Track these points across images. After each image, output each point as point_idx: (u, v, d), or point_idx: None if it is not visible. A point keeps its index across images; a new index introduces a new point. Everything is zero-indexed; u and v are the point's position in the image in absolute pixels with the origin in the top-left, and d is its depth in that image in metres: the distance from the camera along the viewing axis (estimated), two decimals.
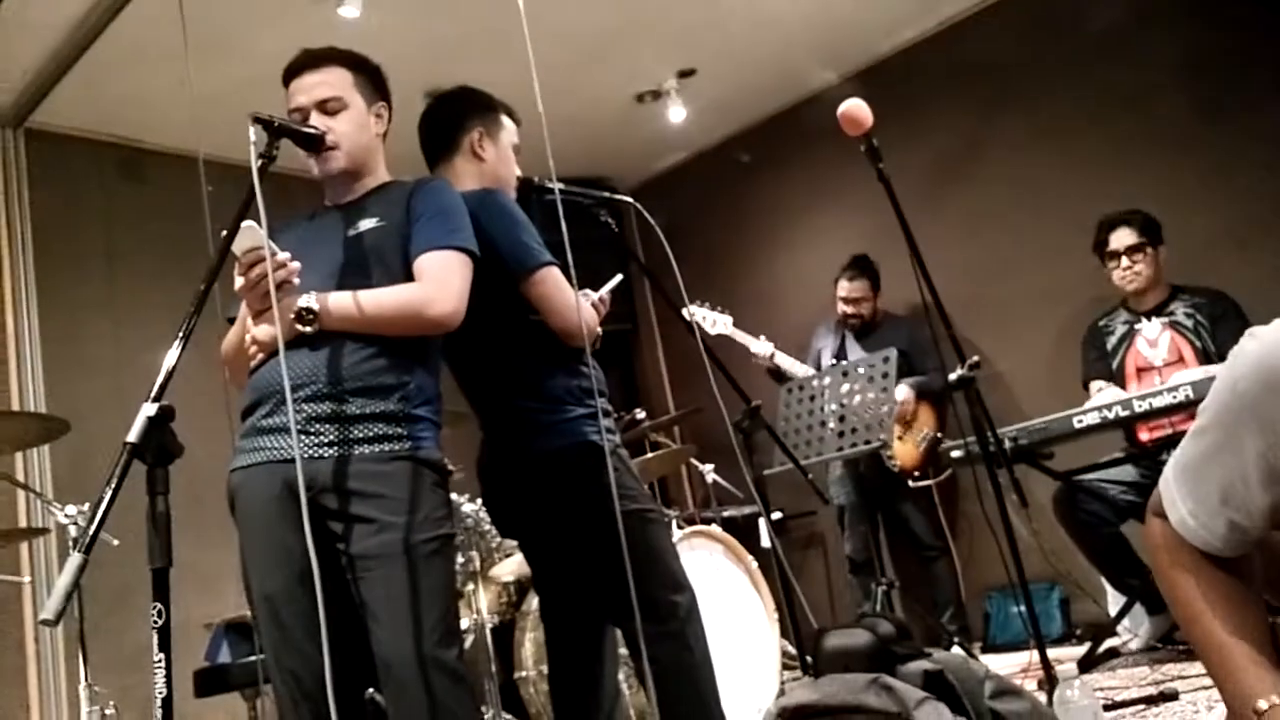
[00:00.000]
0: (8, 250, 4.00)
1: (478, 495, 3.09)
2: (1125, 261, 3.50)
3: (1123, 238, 3.51)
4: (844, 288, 4.54)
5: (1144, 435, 3.43)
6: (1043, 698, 2.16)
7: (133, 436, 1.43)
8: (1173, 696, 2.52)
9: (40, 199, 4.11)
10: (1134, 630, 3.43)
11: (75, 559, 1.32)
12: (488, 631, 3.12)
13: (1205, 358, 3.37)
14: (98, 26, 3.63)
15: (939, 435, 4.34)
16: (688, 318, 2.57)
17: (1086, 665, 3.24)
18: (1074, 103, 4.39)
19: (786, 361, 4.43)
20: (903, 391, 4.21)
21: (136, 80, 3.96)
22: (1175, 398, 2.86)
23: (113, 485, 1.38)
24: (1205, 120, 4.06)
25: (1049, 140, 4.48)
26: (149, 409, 1.46)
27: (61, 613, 1.29)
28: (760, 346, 4.42)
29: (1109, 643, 3.43)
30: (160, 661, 1.40)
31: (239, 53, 3.79)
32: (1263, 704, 1.12)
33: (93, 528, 1.34)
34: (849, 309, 4.54)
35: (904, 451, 4.32)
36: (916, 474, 4.34)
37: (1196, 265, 3.67)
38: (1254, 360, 1.10)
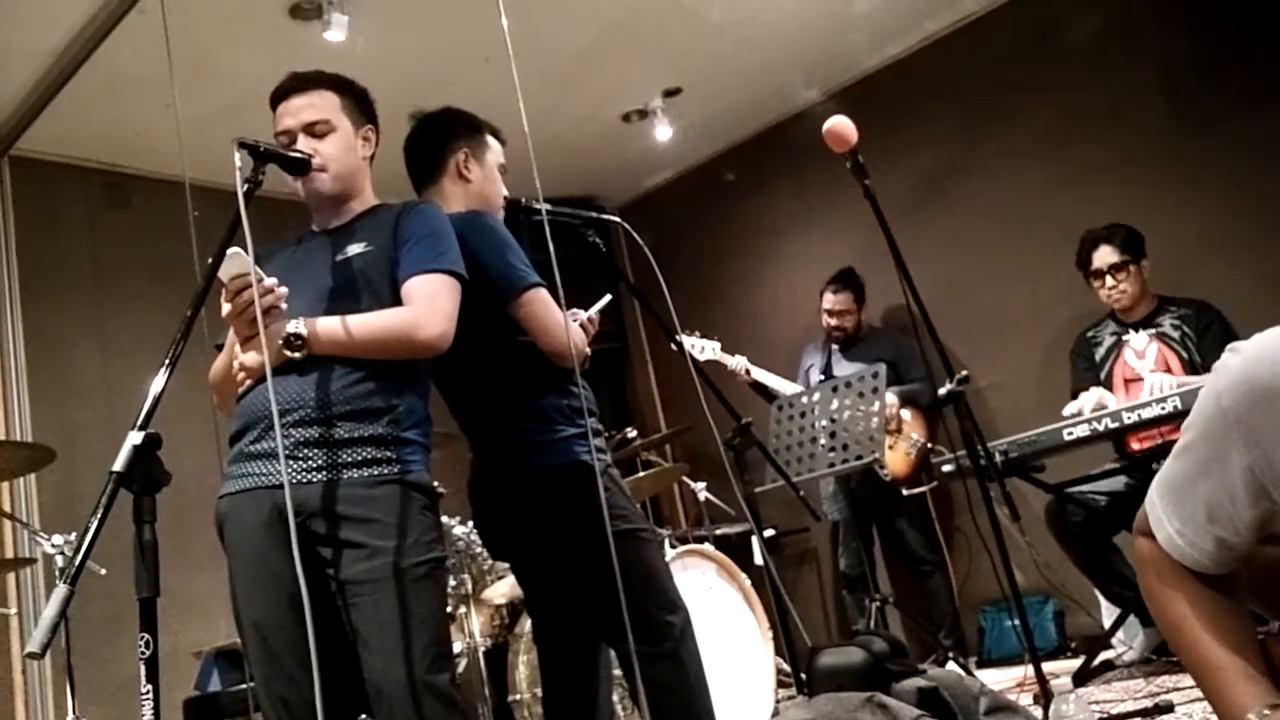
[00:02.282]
0: None
1: (469, 517, 3.07)
2: (1110, 280, 3.53)
3: (1105, 256, 3.53)
4: (829, 300, 4.59)
5: (1134, 446, 3.44)
6: (1038, 712, 2.15)
7: (119, 465, 1.42)
8: (1168, 709, 2.51)
9: (26, 226, 4.09)
10: (1128, 642, 3.42)
11: (61, 590, 1.31)
12: (481, 655, 3.10)
13: (1191, 369, 3.39)
14: (82, 53, 3.62)
15: (928, 443, 4.35)
16: (678, 343, 2.57)
17: (1081, 678, 3.23)
18: (1056, 117, 4.43)
19: (763, 375, 4.46)
20: (887, 398, 4.22)
21: (121, 106, 3.96)
22: (1164, 408, 2.87)
23: (99, 515, 1.37)
24: (1184, 133, 4.10)
25: (1032, 154, 4.51)
26: (135, 437, 1.44)
27: (47, 645, 1.28)
28: (734, 362, 4.46)
29: (1104, 655, 3.42)
30: (148, 693, 1.38)
31: (224, 77, 3.79)
32: (1251, 717, 1.11)
33: (78, 558, 1.33)
34: (833, 321, 4.58)
35: (895, 461, 4.32)
36: (909, 483, 4.34)
37: (1180, 276, 3.70)
38: (1237, 374, 1.10)
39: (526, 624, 3.19)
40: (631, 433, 4.24)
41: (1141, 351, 3.53)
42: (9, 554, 3.72)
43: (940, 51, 4.81)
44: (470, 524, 3.19)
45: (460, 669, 3.06)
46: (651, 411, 5.97)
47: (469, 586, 3.18)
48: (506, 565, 3.17)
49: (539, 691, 2.88)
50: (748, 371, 4.47)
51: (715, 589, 3.40)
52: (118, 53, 3.59)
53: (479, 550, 3.24)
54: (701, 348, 4.44)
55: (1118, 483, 3.40)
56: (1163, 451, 3.28)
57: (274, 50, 3.73)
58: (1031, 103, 4.50)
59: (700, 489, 4.50)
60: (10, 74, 3.71)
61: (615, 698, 2.72)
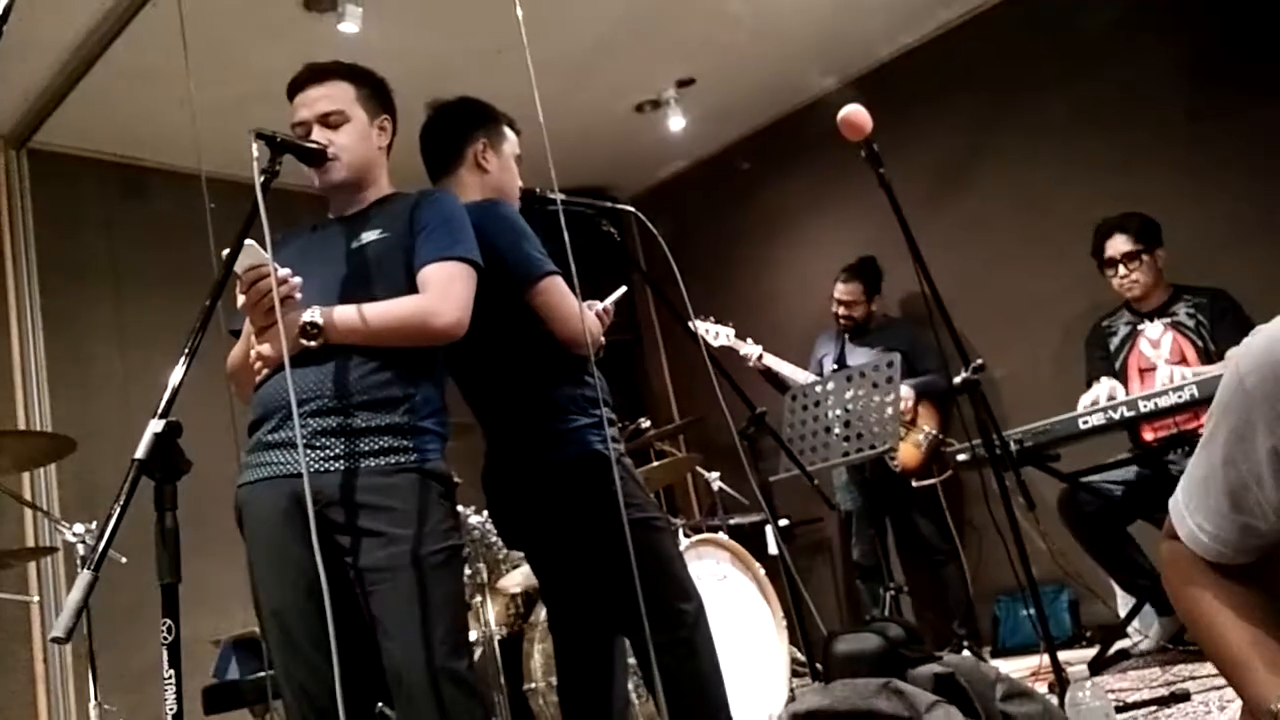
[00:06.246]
0: (12, 270, 4.01)
1: (484, 507, 3.09)
2: (1123, 270, 3.50)
3: (1119, 245, 3.50)
4: (838, 289, 4.58)
5: (1148, 435, 3.43)
6: (1054, 700, 2.15)
7: (141, 453, 1.43)
8: (1184, 697, 2.51)
9: (44, 219, 4.12)
10: (1144, 631, 3.42)
11: (85, 576, 1.32)
12: (495, 643, 3.11)
13: (1207, 358, 3.37)
14: (99, 46, 3.65)
15: (939, 435, 4.34)
16: (692, 329, 2.57)
17: (1097, 667, 3.23)
18: (1072, 105, 4.40)
19: (775, 362, 4.46)
20: (903, 391, 4.21)
21: (138, 99, 3.98)
22: (1180, 397, 2.85)
23: (121, 501, 1.39)
24: (1201, 122, 4.07)
25: (1047, 143, 4.49)
26: (156, 425, 1.46)
27: (72, 630, 1.30)
28: (747, 348, 4.46)
29: (1119, 644, 3.41)
30: (170, 678, 1.40)
31: (240, 70, 3.81)
32: (1277, 705, 1.10)
33: (102, 544, 1.34)
34: (841, 310, 4.57)
35: (905, 451, 4.32)
36: (919, 474, 4.34)
37: (1198, 266, 3.67)
38: (1260, 354, 1.08)
39: (541, 613, 3.20)
40: (645, 423, 4.24)
41: (1156, 341, 3.51)
42: (30, 543, 3.76)
43: (955, 40, 4.79)
44: (485, 514, 3.20)
45: (475, 658, 3.08)
46: (665, 402, 5.98)
47: (484, 576, 3.20)
48: (521, 555, 3.19)
49: (554, 680, 2.89)
50: (760, 358, 4.47)
51: (729, 578, 3.41)
52: (133, 46, 3.61)
53: (494, 540, 3.26)
54: (715, 333, 4.44)
55: (1132, 472, 3.39)
56: (1177, 441, 3.28)
57: (289, 42, 3.74)
58: (1047, 91, 4.48)
59: (714, 479, 4.50)
60: (27, 67, 3.74)
61: (630, 685, 2.73)
